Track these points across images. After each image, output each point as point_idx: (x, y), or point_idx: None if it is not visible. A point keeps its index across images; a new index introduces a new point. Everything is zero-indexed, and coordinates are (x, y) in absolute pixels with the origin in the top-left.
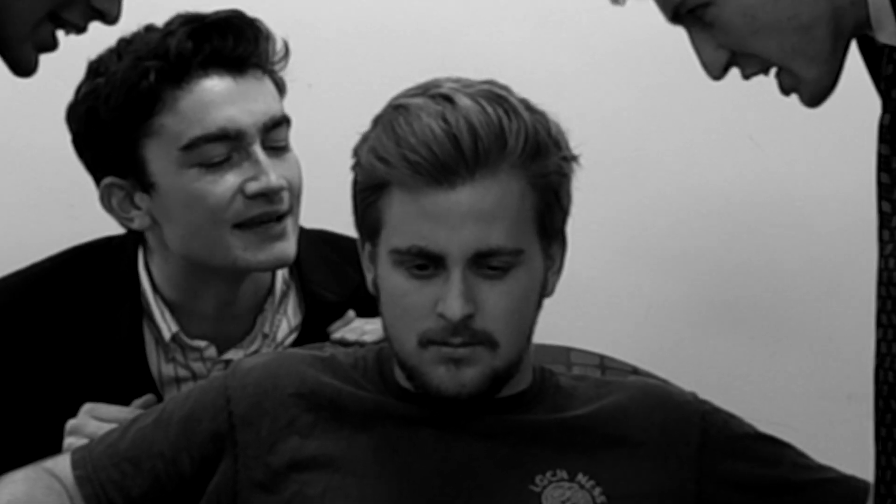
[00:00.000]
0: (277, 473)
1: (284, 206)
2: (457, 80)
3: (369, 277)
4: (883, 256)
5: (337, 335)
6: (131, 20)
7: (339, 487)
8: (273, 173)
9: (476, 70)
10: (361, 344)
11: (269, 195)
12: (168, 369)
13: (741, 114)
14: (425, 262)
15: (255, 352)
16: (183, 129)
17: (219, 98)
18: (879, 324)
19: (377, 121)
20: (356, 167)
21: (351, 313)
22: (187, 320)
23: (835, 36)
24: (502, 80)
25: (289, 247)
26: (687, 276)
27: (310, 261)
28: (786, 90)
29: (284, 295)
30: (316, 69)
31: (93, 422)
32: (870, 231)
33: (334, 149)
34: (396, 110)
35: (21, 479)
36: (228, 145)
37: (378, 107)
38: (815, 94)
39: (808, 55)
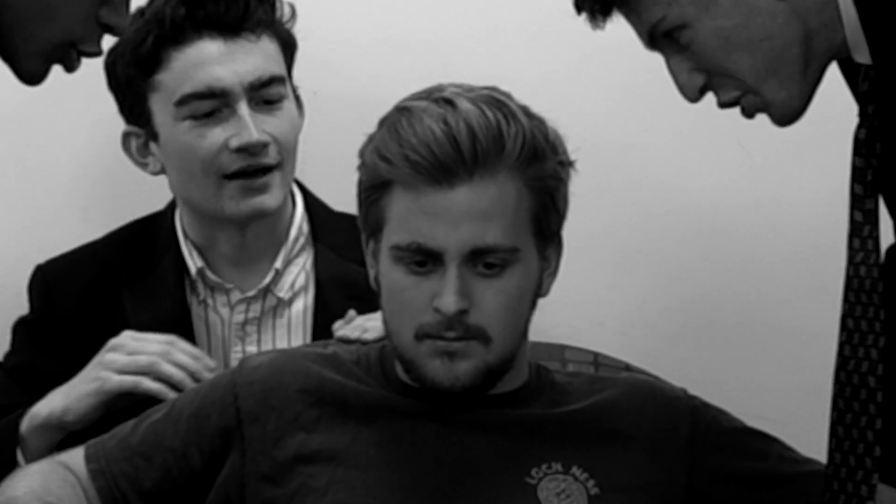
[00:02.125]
0: (283, 466)
1: (270, 159)
2: (460, 86)
3: (372, 274)
4: (853, 264)
5: (339, 333)
6: None
7: (343, 480)
8: (255, 129)
9: (475, 78)
10: (363, 342)
11: (250, 149)
12: (199, 310)
13: (730, 119)
14: (424, 259)
15: (268, 286)
16: (176, 87)
17: (208, 59)
18: (844, 327)
19: (382, 122)
20: (361, 167)
21: (352, 312)
22: (212, 262)
23: (806, 58)
24: (500, 88)
25: (269, 199)
26: (677, 276)
27: (328, 225)
28: (749, 113)
29: (302, 248)
30: (321, 77)
31: (131, 341)
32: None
33: (338, 152)
34: (400, 112)
35: (36, 472)
36: (216, 102)
37: (380, 113)
38: (785, 115)
39: (780, 76)
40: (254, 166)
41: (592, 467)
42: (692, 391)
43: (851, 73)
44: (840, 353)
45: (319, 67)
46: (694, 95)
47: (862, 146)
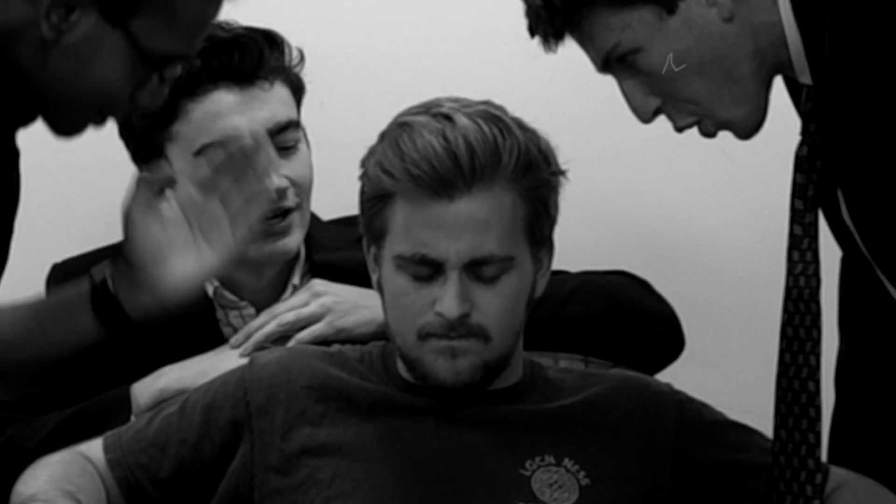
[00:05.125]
0: (291, 458)
1: (289, 202)
2: (456, 100)
3: (374, 277)
4: (793, 275)
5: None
6: None
7: (347, 472)
8: (275, 175)
9: (472, 90)
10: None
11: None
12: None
13: None
14: (426, 267)
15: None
16: (194, 137)
17: (225, 109)
18: (784, 335)
19: (383, 136)
20: (363, 177)
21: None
22: (227, 285)
23: (757, 75)
24: (495, 99)
25: (291, 241)
26: (665, 278)
27: (319, 228)
28: (707, 134)
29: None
30: (327, 89)
31: None
32: (829, 241)
33: (344, 160)
34: (401, 127)
35: (57, 462)
36: None
37: (383, 123)
38: (746, 129)
39: (733, 94)
40: (275, 210)
41: (583, 459)
42: (677, 386)
43: (795, 92)
44: (780, 361)
45: (325, 80)
46: (647, 117)
47: (804, 163)
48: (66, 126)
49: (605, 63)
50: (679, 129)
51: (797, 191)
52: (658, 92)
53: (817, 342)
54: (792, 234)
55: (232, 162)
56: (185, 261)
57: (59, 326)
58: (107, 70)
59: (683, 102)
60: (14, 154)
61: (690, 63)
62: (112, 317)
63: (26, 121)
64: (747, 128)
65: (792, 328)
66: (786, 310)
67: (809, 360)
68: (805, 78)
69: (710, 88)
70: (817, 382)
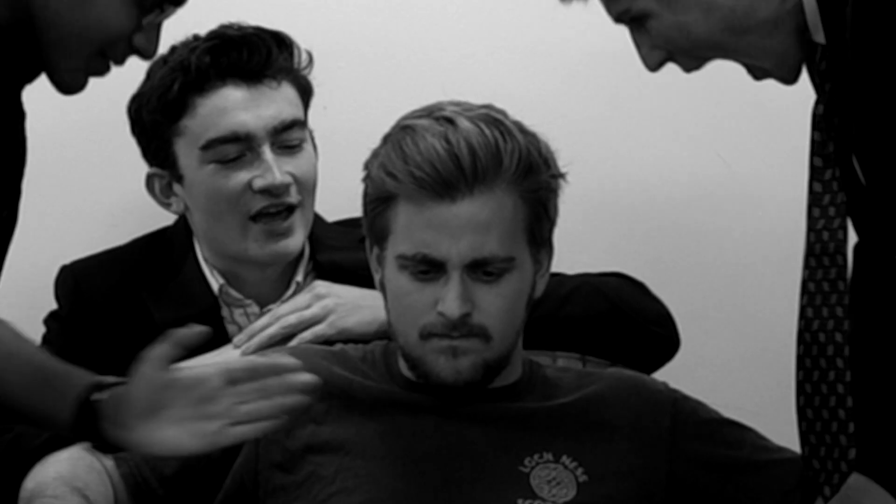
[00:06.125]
0: (294, 455)
1: (292, 199)
2: (458, 104)
3: (377, 278)
4: (813, 231)
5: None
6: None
7: (350, 468)
8: (278, 171)
9: (473, 94)
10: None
11: (273, 191)
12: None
13: (710, 131)
14: (427, 267)
15: (289, 299)
16: (201, 132)
17: (232, 105)
18: (805, 290)
19: (386, 139)
20: (367, 179)
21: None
22: (232, 282)
23: (777, 35)
24: (496, 103)
25: (292, 242)
26: (660, 279)
27: (323, 229)
28: (759, 76)
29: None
30: (330, 92)
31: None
32: None
33: (347, 163)
34: (404, 130)
35: (65, 459)
36: (240, 146)
37: (385, 127)
38: (787, 75)
39: (751, 55)
40: (277, 205)
41: (581, 456)
42: (672, 384)
43: (811, 55)
44: (802, 316)
45: (329, 83)
46: (654, 67)
47: (821, 121)
48: (68, 71)
49: (618, 19)
50: (688, 71)
51: (815, 149)
52: (670, 49)
53: (844, 294)
54: (811, 192)
55: (264, 373)
56: (171, 432)
57: (42, 401)
58: (104, 6)
59: (692, 59)
60: (20, 114)
61: (699, 34)
62: (89, 426)
63: (30, 75)
64: (788, 72)
65: (814, 283)
66: (807, 265)
67: (836, 311)
68: (819, 37)
69: (726, 50)
70: (844, 333)
